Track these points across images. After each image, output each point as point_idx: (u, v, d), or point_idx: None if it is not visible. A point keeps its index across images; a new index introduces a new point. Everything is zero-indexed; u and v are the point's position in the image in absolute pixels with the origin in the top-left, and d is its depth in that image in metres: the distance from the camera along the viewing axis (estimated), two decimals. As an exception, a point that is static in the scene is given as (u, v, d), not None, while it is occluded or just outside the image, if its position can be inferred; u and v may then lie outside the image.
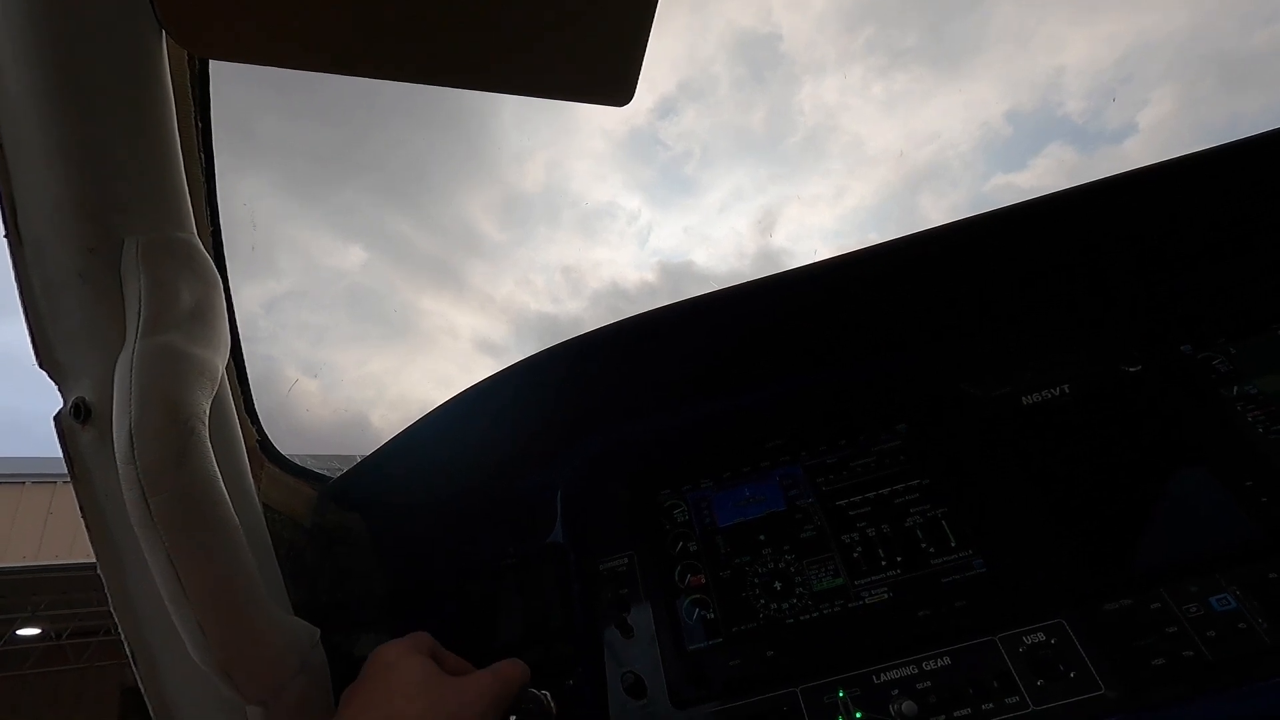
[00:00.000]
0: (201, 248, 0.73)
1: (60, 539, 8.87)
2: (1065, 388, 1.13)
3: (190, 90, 0.81)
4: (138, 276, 0.65)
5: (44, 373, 0.67)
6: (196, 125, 0.82)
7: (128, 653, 0.71)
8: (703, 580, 1.12)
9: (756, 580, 1.09)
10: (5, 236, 0.66)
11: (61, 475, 8.43)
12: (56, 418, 0.67)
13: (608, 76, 0.84)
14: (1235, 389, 1.06)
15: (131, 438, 0.59)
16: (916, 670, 0.95)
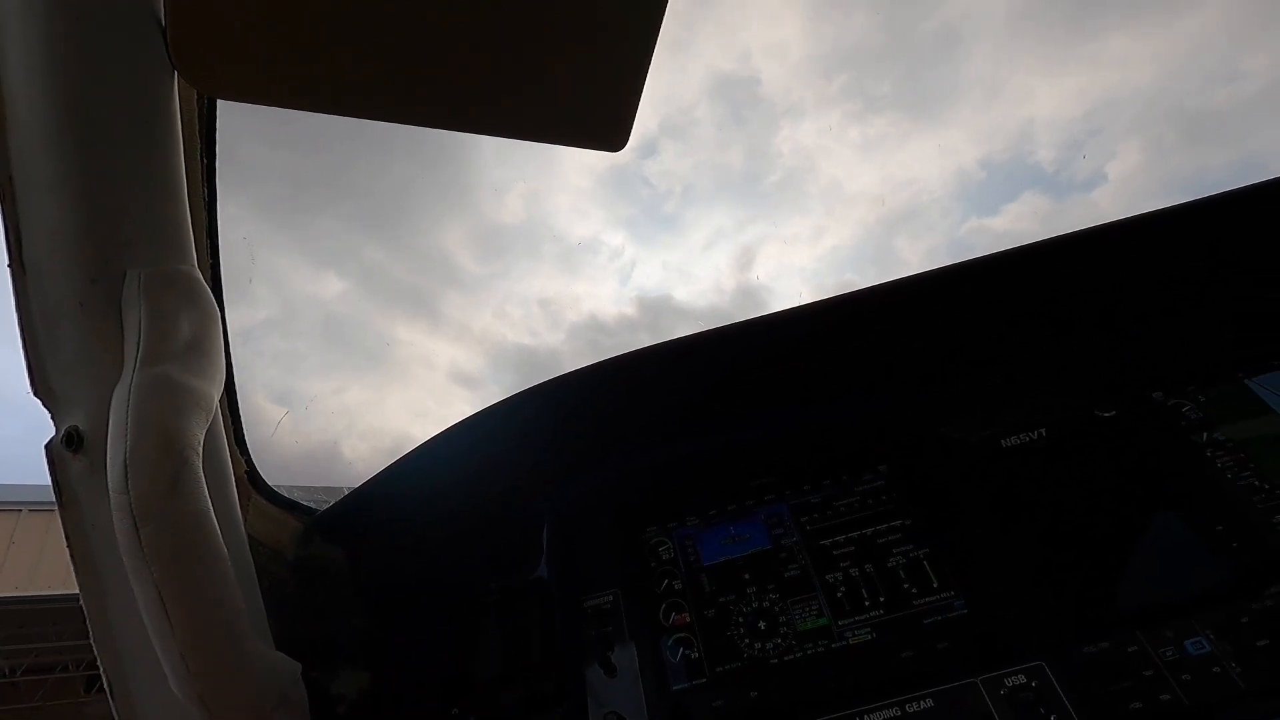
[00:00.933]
0: (202, 280, 0.74)
1: (20, 570, 8.55)
2: (1042, 431, 1.16)
3: (198, 127, 0.83)
4: (138, 308, 0.66)
5: (38, 401, 0.68)
6: (202, 161, 0.84)
7: (105, 685, 0.70)
8: (687, 619, 1.11)
9: (741, 619, 1.09)
10: (9, 265, 0.67)
11: (26, 504, 8.19)
12: (48, 446, 0.68)
13: (603, 123, 0.87)
14: (1205, 435, 1.10)
15: (126, 466, 0.59)
16: (899, 712, 0.95)
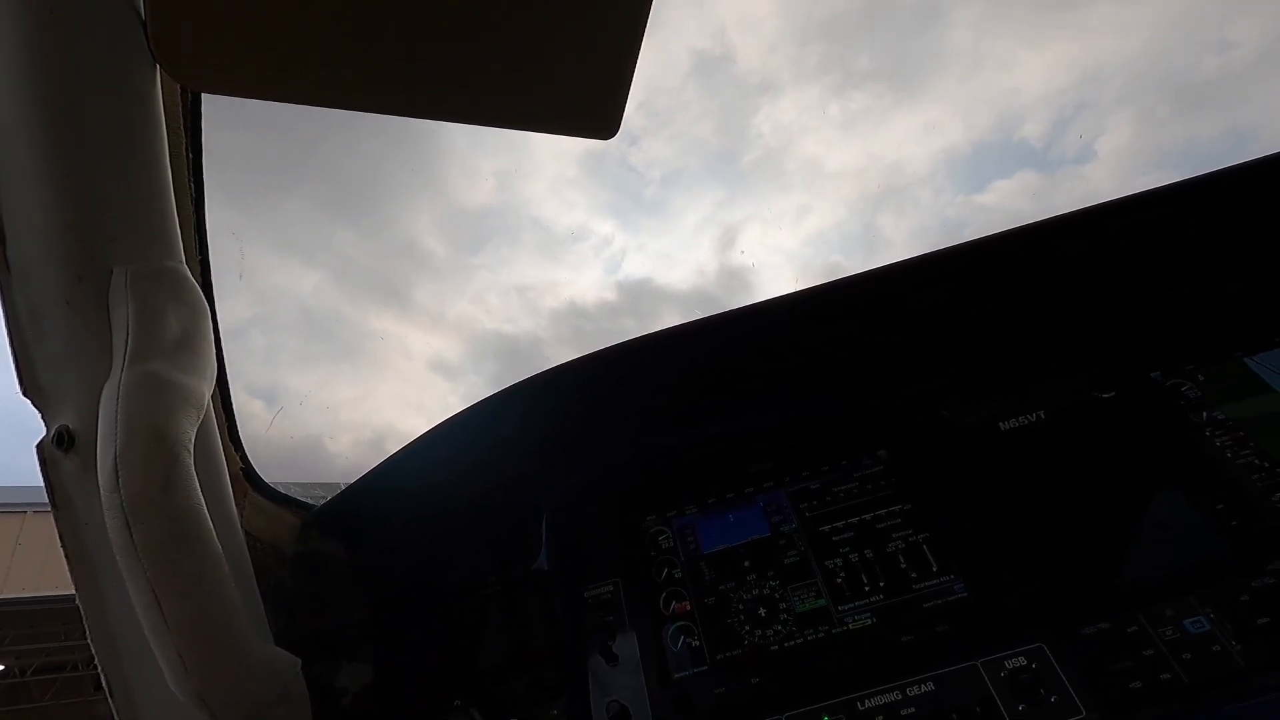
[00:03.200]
0: (190, 276, 0.74)
1: (28, 571, 8.58)
2: (1041, 413, 1.16)
3: (182, 122, 0.82)
4: (126, 305, 0.66)
5: (28, 400, 0.67)
6: (187, 156, 0.83)
7: (104, 685, 0.70)
8: (688, 607, 1.12)
9: (741, 607, 1.09)
10: (-7, 265, 0.66)
11: (31, 505, 8.19)
12: (39, 445, 0.67)
13: (594, 110, 0.86)
14: (1204, 414, 1.09)
15: (116, 465, 0.59)
16: (900, 696, 0.95)
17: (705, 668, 1.05)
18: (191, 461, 0.64)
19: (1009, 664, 0.94)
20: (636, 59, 0.81)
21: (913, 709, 0.93)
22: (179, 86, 0.83)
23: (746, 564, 1.14)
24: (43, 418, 0.68)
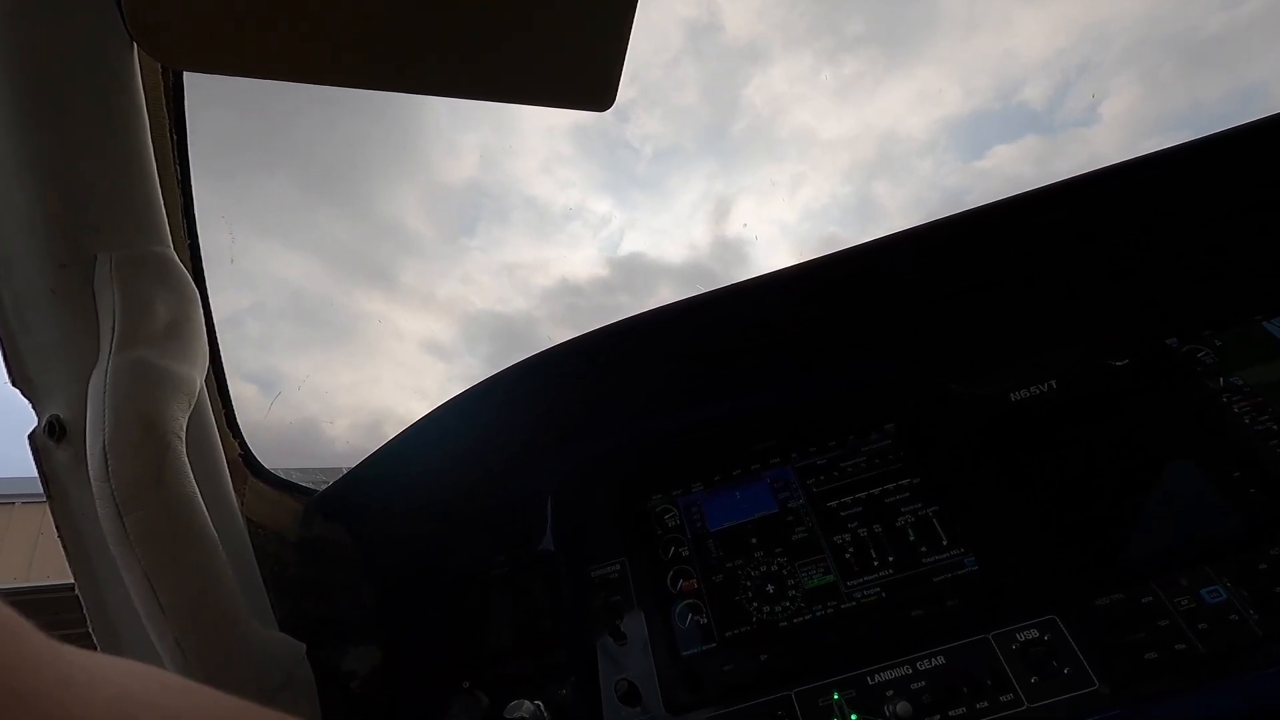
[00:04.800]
0: (178, 262, 0.72)
1: (15, 562, 8.48)
2: (1052, 384, 1.13)
3: (165, 103, 0.80)
4: (111, 291, 0.65)
5: (17, 391, 0.66)
6: (171, 138, 0.82)
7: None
8: (695, 585, 1.11)
9: (749, 583, 1.09)
10: (-25, 254, 0.65)
11: (18, 496, 8.16)
12: (31, 436, 0.66)
13: (588, 82, 0.83)
14: (1221, 380, 1.06)
15: (105, 454, 0.58)
16: (910, 670, 0.94)
17: (714, 645, 1.04)
18: (183, 448, 0.63)
19: (1020, 636, 0.93)
20: (630, 28, 0.78)
21: (923, 682, 0.92)
22: (160, 66, 0.81)
23: (754, 541, 1.13)
24: (33, 408, 0.67)
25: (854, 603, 1.03)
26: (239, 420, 0.95)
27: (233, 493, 0.79)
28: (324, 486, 1.07)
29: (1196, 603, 0.89)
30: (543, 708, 0.89)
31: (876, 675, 0.95)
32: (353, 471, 1.07)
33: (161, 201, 0.73)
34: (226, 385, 0.91)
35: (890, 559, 1.06)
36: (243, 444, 0.95)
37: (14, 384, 0.66)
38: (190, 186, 0.85)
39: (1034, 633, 0.92)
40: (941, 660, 0.94)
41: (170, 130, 0.81)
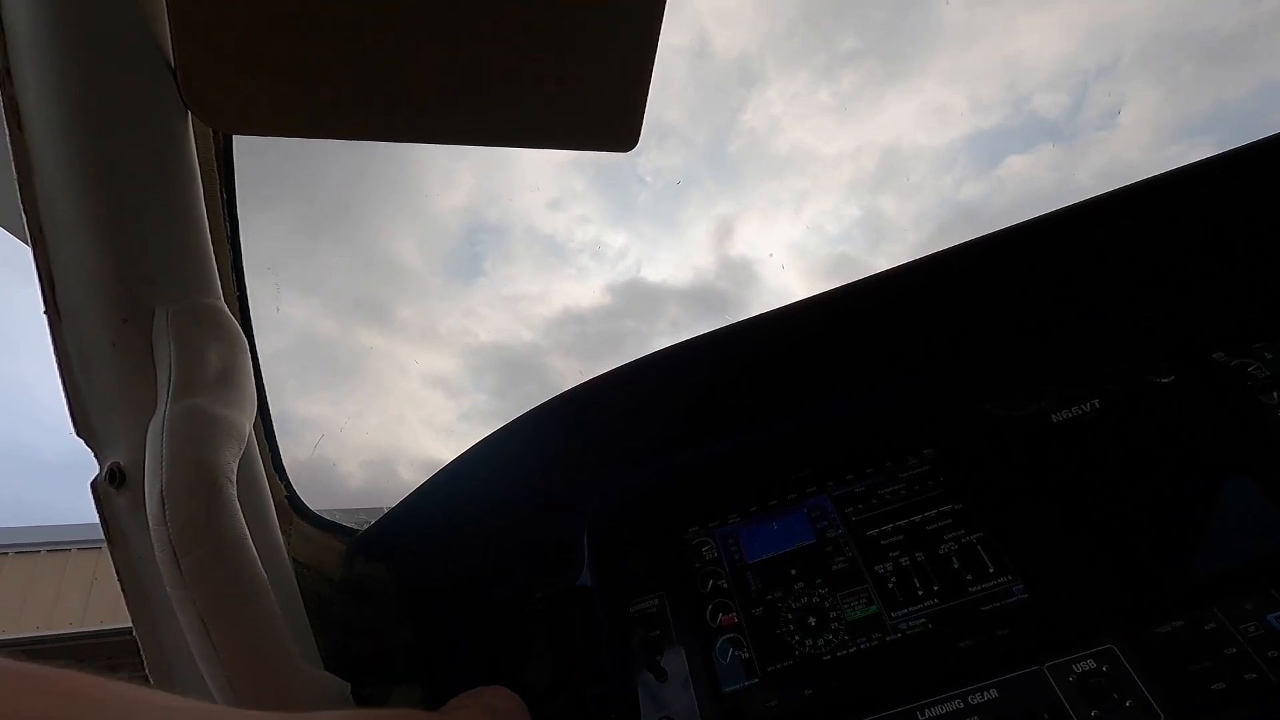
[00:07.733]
0: (228, 312, 0.76)
1: (71, 606, 8.53)
2: (1095, 402, 1.11)
3: (215, 164, 0.85)
4: (168, 344, 0.68)
5: (81, 440, 0.70)
6: (221, 196, 0.86)
7: (163, 715, 0.71)
8: (735, 619, 1.09)
9: (790, 616, 1.07)
10: (44, 311, 0.69)
11: (74, 543, 8.26)
12: (93, 483, 0.70)
13: (612, 123, 0.86)
14: (1275, 394, 1.03)
15: (163, 499, 0.60)
16: (962, 705, 0.91)
17: (756, 680, 1.02)
18: (234, 491, 0.65)
19: (1078, 667, 0.89)
20: (652, 68, 0.81)
21: (976, 717, 0.89)
22: (211, 130, 0.86)
23: (793, 572, 1.11)
24: (95, 456, 0.70)
25: (899, 634, 1.01)
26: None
27: (280, 534, 0.82)
28: (365, 526, 1.09)
29: (1264, 628, 0.84)
30: (584, 746, 0.89)
31: (927, 710, 0.92)
32: (392, 511, 1.09)
33: (214, 256, 0.77)
34: (273, 429, 0.95)
35: (935, 588, 1.03)
36: (288, 486, 0.98)
37: (78, 434, 0.70)
38: (239, 241, 0.89)
39: (1091, 663, 0.89)
40: (994, 694, 0.90)
41: (220, 189, 0.86)
